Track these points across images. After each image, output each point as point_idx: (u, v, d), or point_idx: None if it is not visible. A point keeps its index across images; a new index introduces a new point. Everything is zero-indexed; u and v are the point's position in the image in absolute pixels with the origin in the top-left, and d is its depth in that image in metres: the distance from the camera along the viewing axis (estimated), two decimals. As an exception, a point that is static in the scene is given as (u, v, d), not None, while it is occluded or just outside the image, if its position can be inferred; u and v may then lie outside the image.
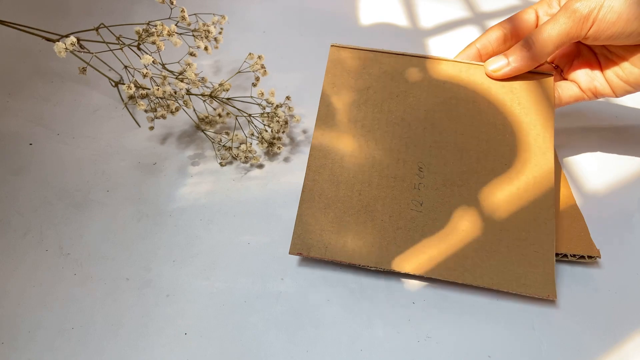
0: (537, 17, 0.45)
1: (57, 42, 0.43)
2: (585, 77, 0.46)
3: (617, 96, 0.46)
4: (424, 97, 0.44)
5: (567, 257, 0.41)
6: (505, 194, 0.40)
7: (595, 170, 0.49)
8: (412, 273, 0.38)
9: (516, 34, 0.45)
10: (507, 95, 0.44)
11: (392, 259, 0.39)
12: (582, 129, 0.54)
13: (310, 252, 0.39)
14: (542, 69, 0.45)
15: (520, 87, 0.44)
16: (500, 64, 0.43)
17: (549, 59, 0.50)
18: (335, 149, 0.43)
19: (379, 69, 0.46)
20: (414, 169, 0.42)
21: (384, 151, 0.42)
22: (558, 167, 0.48)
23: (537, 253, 0.39)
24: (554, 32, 0.40)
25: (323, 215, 0.40)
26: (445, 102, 0.44)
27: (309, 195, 0.41)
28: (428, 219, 0.40)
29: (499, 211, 0.40)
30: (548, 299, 0.37)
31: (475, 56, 0.46)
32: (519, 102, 0.43)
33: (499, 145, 0.42)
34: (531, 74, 0.44)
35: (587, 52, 0.47)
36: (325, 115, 0.44)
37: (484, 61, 0.45)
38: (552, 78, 0.44)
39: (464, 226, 0.40)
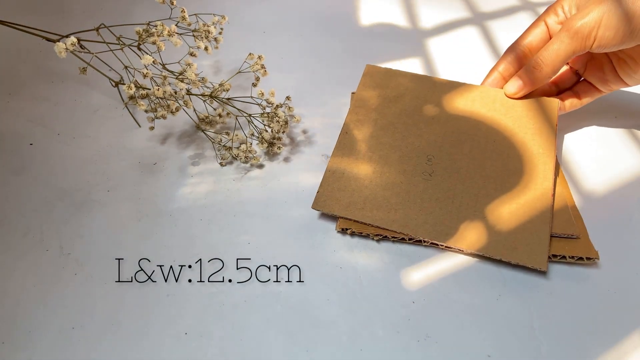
0: (548, 29, 0.48)
1: (57, 43, 0.43)
2: (599, 76, 0.49)
3: (630, 85, 0.49)
4: (436, 129, 0.48)
5: (566, 259, 0.41)
6: (506, 209, 0.42)
7: (594, 170, 0.49)
8: (413, 235, 0.41)
9: (531, 49, 0.48)
10: (516, 123, 0.47)
11: (403, 224, 0.42)
12: (580, 128, 0.54)
13: (332, 210, 0.43)
14: (547, 94, 0.50)
15: (527, 115, 0.48)
16: (517, 85, 0.47)
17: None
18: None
19: (394, 93, 0.51)
20: (423, 159, 0.46)
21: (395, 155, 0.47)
22: (557, 166, 0.48)
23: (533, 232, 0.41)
24: (560, 52, 0.44)
25: (344, 188, 0.44)
26: (456, 133, 0.48)
27: (331, 169, 0.46)
28: (437, 189, 0.44)
29: (500, 221, 0.42)
30: (540, 270, 0.39)
31: (500, 81, 0.50)
32: (527, 130, 0.47)
33: (504, 170, 0.45)
34: (538, 101, 0.48)
35: (598, 55, 0.49)
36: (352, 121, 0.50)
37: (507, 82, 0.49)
38: (556, 103, 0.48)
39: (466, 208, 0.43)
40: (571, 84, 0.52)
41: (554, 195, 0.43)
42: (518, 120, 0.47)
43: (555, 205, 0.43)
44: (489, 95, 0.49)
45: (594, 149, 0.51)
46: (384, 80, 0.52)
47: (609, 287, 0.40)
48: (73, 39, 0.43)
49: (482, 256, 0.41)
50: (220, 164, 0.50)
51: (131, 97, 0.48)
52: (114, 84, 0.52)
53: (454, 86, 0.51)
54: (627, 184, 0.48)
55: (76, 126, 0.54)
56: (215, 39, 0.53)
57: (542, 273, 0.41)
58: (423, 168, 0.45)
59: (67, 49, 0.43)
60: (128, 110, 0.55)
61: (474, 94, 0.50)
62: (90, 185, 0.48)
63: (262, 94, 0.49)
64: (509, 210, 0.42)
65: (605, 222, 0.44)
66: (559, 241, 0.41)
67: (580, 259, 0.41)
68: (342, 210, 0.43)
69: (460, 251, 0.42)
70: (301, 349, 0.36)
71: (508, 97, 0.49)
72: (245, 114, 0.50)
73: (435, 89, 0.51)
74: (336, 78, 0.61)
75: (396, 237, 0.42)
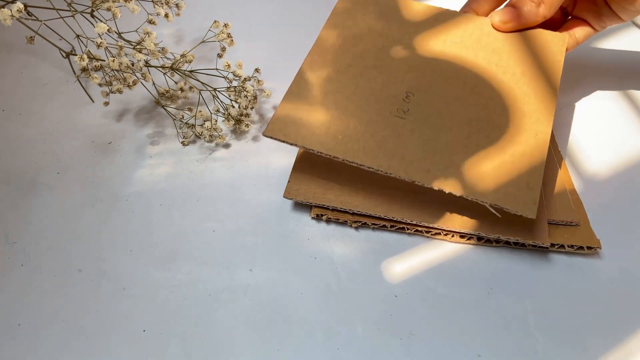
0: None
1: (1, 9, 0.41)
2: (593, 10, 0.47)
3: (625, 21, 0.46)
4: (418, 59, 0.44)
5: (565, 248, 0.40)
6: (490, 164, 0.38)
7: (596, 150, 0.48)
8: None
9: None
10: (504, 65, 0.42)
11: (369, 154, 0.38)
12: (580, 102, 0.53)
13: (307, 197, 0.41)
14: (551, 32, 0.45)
15: (521, 53, 0.43)
16: (509, 15, 0.43)
17: None
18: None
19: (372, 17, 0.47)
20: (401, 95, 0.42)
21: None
22: (555, 146, 0.47)
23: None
24: None
25: (317, 171, 0.43)
26: (429, 77, 0.43)
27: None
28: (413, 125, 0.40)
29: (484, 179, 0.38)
30: (527, 216, 0.35)
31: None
32: (522, 71, 0.42)
33: (489, 116, 0.40)
34: (533, 39, 0.44)
35: None
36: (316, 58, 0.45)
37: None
38: (563, 39, 0.43)
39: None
40: (559, 25, 0.49)
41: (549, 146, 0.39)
42: (507, 61, 0.43)
43: (552, 189, 0.42)
44: (472, 32, 0.44)
45: (596, 127, 0.50)
46: (347, 20, 0.47)
47: (611, 279, 0.39)
48: (19, 4, 0.42)
49: (472, 244, 0.41)
50: (182, 143, 0.49)
51: (84, 70, 0.47)
52: (64, 54, 0.51)
53: (429, 23, 0.46)
54: (633, 166, 0.47)
55: (23, 102, 0.53)
56: (177, 5, 0.52)
57: (538, 265, 0.40)
58: (397, 111, 0.41)
59: (12, 15, 0.41)
60: (80, 83, 0.53)
61: (453, 31, 0.45)
62: (39, 167, 0.46)
63: (229, 65, 0.48)
64: (496, 161, 0.38)
65: (608, 208, 0.43)
66: (557, 228, 0.40)
67: (581, 248, 0.40)
68: (318, 197, 0.42)
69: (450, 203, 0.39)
70: (271, 347, 0.35)
71: (493, 27, 0.44)
72: (209, 88, 0.49)
73: (405, 26, 0.46)
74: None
75: (377, 224, 0.41)
